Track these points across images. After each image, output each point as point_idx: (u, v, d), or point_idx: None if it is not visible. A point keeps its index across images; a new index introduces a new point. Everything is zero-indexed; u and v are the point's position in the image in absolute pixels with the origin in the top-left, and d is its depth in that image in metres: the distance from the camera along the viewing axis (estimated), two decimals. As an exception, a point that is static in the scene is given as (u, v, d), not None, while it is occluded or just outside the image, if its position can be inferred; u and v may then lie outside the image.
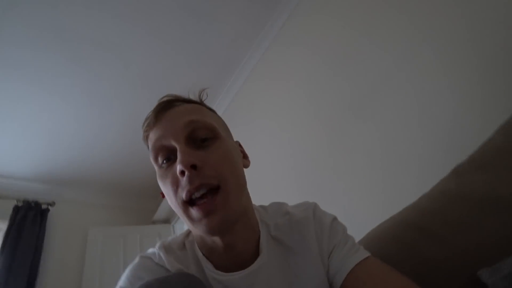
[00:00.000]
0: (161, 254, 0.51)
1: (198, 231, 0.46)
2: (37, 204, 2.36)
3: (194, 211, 0.44)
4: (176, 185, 0.45)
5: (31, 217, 2.26)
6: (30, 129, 2.09)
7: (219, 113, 2.42)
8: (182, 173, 0.43)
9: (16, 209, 2.25)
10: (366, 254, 0.50)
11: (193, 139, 0.48)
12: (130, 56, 1.85)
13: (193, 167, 0.43)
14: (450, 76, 1.00)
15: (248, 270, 0.49)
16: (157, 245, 0.55)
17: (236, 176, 0.49)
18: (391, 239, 0.68)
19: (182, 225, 2.71)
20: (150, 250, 0.55)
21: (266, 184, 1.68)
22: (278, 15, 1.85)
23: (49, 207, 2.42)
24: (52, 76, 1.80)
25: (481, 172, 0.57)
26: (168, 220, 2.83)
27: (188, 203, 0.45)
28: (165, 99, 0.54)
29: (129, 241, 2.51)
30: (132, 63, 1.89)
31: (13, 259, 2.02)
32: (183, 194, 0.44)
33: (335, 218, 0.58)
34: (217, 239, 0.48)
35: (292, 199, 0.68)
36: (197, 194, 0.44)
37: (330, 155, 1.39)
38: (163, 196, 0.56)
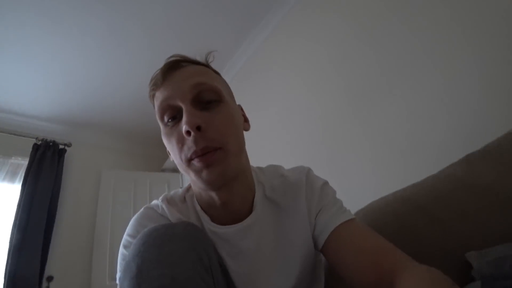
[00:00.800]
0: (164, 206, 0.56)
1: (198, 184, 0.50)
2: (54, 144, 2.46)
3: (195, 162, 0.47)
4: (181, 143, 0.48)
5: (49, 155, 2.38)
6: (48, 69, 2.09)
7: (234, 71, 2.35)
8: (188, 133, 0.46)
9: (36, 147, 2.37)
10: (351, 216, 0.54)
11: (199, 100, 0.50)
12: (148, 3, 1.78)
13: (198, 128, 0.46)
14: (478, 65, 0.96)
15: (241, 224, 0.54)
16: (160, 197, 0.60)
17: (237, 139, 0.52)
18: (391, 213, 0.71)
19: (190, 175, 2.83)
20: (154, 202, 0.60)
21: (275, 148, 1.70)
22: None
23: (66, 147, 2.52)
24: (73, 15, 1.76)
25: (492, 163, 0.58)
26: (176, 169, 2.93)
27: (192, 159, 0.48)
28: (172, 59, 0.55)
29: (139, 186, 2.65)
30: (150, 10, 1.82)
31: (34, 193, 2.17)
32: (189, 153, 0.47)
33: (326, 183, 0.62)
34: (214, 195, 0.51)
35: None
36: (200, 154, 0.47)
37: (345, 127, 1.38)
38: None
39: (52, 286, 2.08)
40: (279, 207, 0.58)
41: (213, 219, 0.55)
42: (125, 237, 0.54)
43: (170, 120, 0.51)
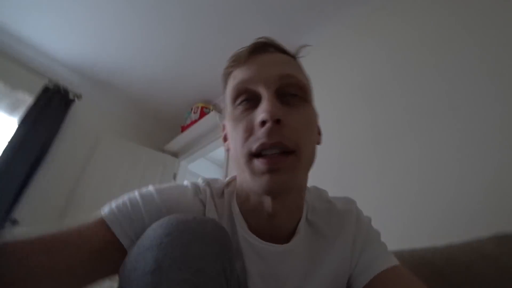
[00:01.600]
0: (208, 193, 0.51)
1: (253, 185, 0.43)
2: (65, 91, 2.40)
3: (258, 162, 0.41)
4: (249, 132, 0.43)
5: (56, 101, 2.30)
6: (82, 15, 2.07)
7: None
8: (263, 123, 0.41)
9: (46, 89, 2.30)
10: (396, 262, 0.51)
11: (283, 93, 0.45)
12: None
13: (277, 121, 0.41)
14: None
15: (283, 247, 0.48)
16: (204, 181, 0.53)
17: (311, 148, 0.47)
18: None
19: (187, 164, 2.79)
20: (201, 184, 0.53)
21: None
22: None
23: (76, 98, 2.46)
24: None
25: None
26: (176, 154, 2.89)
27: (254, 155, 0.42)
28: (262, 40, 0.50)
29: (134, 159, 2.58)
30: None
31: (28, 132, 2.09)
32: (254, 145, 0.42)
33: (371, 220, 0.59)
34: (267, 200, 0.45)
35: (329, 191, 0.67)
36: (268, 152, 0.41)
37: (377, 158, 1.34)
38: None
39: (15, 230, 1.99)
40: (320, 233, 0.54)
41: (250, 228, 0.49)
42: (150, 187, 0.48)
43: (241, 103, 0.46)
